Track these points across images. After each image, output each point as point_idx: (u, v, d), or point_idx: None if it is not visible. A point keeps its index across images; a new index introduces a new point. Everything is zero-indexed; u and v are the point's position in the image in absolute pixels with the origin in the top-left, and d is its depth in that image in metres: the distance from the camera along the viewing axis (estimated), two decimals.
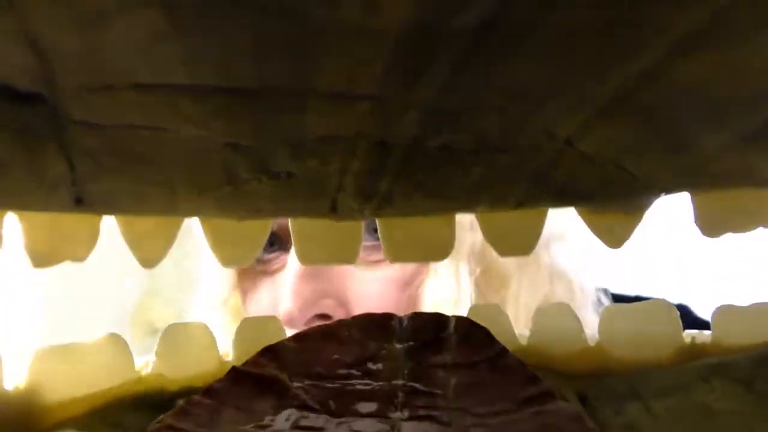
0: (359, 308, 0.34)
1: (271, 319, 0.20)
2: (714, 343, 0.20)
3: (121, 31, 0.10)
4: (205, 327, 0.20)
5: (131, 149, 0.14)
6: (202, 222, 0.18)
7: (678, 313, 0.21)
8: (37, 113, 0.12)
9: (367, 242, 0.32)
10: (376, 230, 0.33)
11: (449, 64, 0.12)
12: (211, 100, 0.12)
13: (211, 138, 0.13)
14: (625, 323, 0.21)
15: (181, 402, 0.18)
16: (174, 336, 0.20)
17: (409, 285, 0.34)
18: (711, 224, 0.19)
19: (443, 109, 0.13)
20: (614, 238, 0.19)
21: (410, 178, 0.16)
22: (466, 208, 0.18)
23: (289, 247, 0.34)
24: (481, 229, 0.19)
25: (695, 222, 0.19)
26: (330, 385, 0.18)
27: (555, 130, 0.14)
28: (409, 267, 0.35)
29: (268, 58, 0.11)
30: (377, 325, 0.19)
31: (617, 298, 0.47)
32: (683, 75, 0.12)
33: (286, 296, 0.32)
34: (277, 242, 0.35)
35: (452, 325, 0.19)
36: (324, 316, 0.34)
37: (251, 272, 0.37)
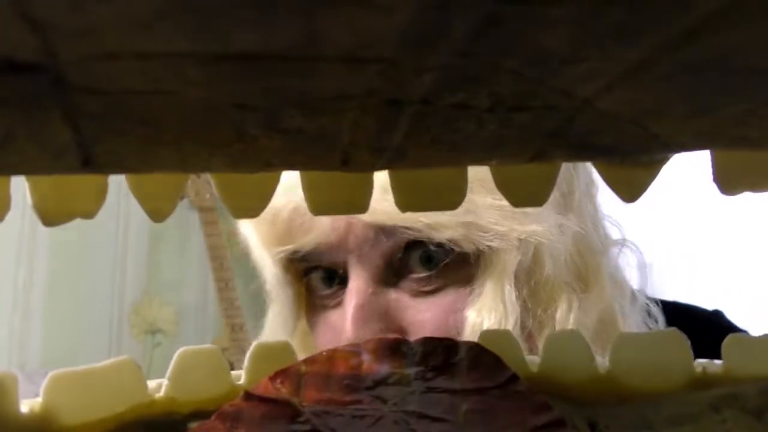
0: (414, 333, 0.35)
1: (284, 344, 0.21)
2: (725, 373, 0.20)
3: (121, 9, 0.10)
4: (217, 351, 0.20)
5: (137, 112, 0.14)
6: (212, 175, 0.18)
7: (689, 342, 0.21)
8: (39, 82, 0.12)
9: (420, 273, 0.35)
10: (428, 259, 0.34)
11: (467, 33, 0.12)
12: (217, 65, 0.12)
13: (219, 100, 0.13)
14: (636, 352, 0.21)
15: (193, 425, 0.19)
16: (186, 360, 0.20)
17: (458, 310, 0.35)
18: (729, 181, 0.18)
19: (459, 73, 0.13)
20: (630, 191, 0.19)
21: (423, 134, 0.15)
22: (479, 161, 0.17)
23: (347, 283, 0.36)
24: (494, 178, 0.19)
25: (713, 179, 0.18)
26: (341, 410, 0.18)
27: (573, 91, 0.14)
28: (461, 292, 0.36)
29: (275, 28, 0.11)
30: (388, 349, 0.19)
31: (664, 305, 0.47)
32: (708, 46, 0.12)
33: (349, 330, 0.33)
34: (336, 278, 0.37)
35: (463, 350, 0.19)
36: None
37: (313, 306, 0.39)
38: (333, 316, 0.37)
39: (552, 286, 0.36)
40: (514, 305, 0.34)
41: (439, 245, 0.34)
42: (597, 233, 0.38)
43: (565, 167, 0.37)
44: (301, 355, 0.20)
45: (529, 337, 0.36)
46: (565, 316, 0.35)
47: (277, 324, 0.41)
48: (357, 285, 0.35)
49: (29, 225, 1.18)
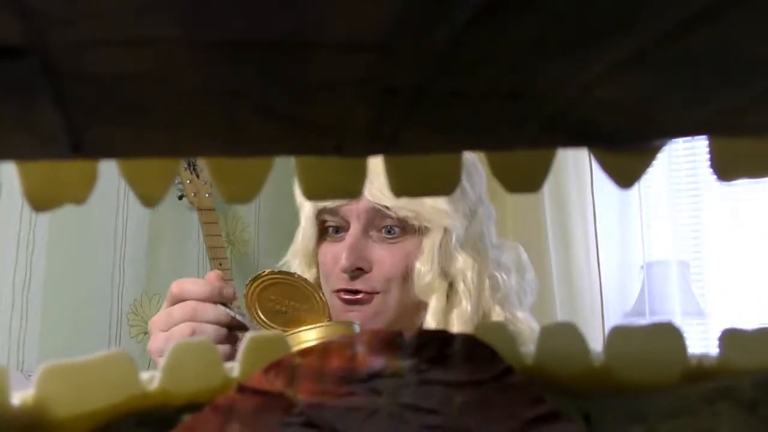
0: (378, 266, 0.66)
1: (278, 336, 0.20)
2: (720, 366, 0.20)
3: None
4: (210, 343, 0.20)
5: (128, 99, 0.14)
6: (206, 160, 0.18)
7: (684, 335, 0.21)
8: (28, 67, 0.12)
9: (386, 235, 0.67)
10: (390, 230, 0.69)
11: (462, 20, 0.11)
12: (210, 52, 0.12)
13: (211, 86, 0.13)
14: (631, 345, 0.21)
15: (186, 417, 0.19)
16: (179, 352, 0.20)
17: (406, 256, 0.66)
18: (727, 168, 0.18)
19: (454, 60, 0.13)
20: (626, 177, 0.19)
21: (417, 121, 0.15)
22: (473, 148, 0.17)
23: (345, 232, 0.67)
24: (489, 165, 0.19)
25: (711, 165, 0.18)
26: (335, 403, 0.18)
27: (570, 79, 0.14)
28: (408, 246, 0.67)
29: (269, 14, 0.11)
30: (382, 341, 0.19)
31: None
32: (708, 36, 0.12)
33: (342, 258, 0.65)
34: (341, 229, 0.68)
35: (457, 342, 0.19)
36: (360, 269, 0.66)
37: (323, 240, 0.69)
38: (335, 247, 0.68)
39: (456, 252, 0.67)
40: (436, 260, 0.66)
41: (399, 219, 0.65)
42: (489, 235, 0.71)
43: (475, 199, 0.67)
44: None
45: (449, 281, 0.66)
46: (465, 271, 0.67)
47: (299, 246, 0.71)
48: (353, 231, 0.66)
49: (27, 225, 1.17)
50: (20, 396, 0.18)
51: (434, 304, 0.66)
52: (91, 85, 0.13)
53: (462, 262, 0.67)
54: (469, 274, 0.66)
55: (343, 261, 0.64)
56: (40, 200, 0.17)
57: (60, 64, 0.13)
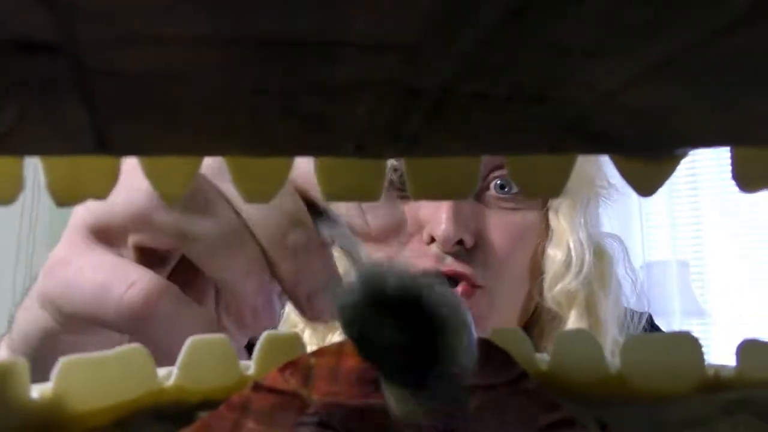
0: (484, 239, 0.42)
1: (294, 335, 0.20)
2: (738, 377, 0.20)
3: None
4: (227, 341, 0.20)
5: (154, 96, 0.14)
6: (226, 158, 0.18)
7: (702, 345, 0.21)
8: (55, 64, 0.12)
9: (501, 194, 0.44)
10: (502, 186, 0.42)
11: (491, 22, 0.11)
12: (237, 50, 0.12)
13: (237, 84, 0.13)
14: (647, 353, 0.20)
15: (203, 415, 0.19)
16: (196, 349, 0.20)
17: (528, 237, 0.43)
18: (750, 178, 0.18)
19: (480, 63, 0.13)
20: (646, 184, 0.18)
21: (440, 122, 0.15)
22: (495, 151, 0.17)
23: None
24: (508, 169, 0.19)
25: (733, 175, 0.18)
26: (350, 403, 0.18)
27: (595, 84, 0.14)
28: (531, 219, 0.43)
29: (298, 13, 0.11)
30: None
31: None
32: (739, 43, 0.12)
33: (443, 222, 0.40)
34: None
35: None
36: (461, 242, 0.42)
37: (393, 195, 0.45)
38: (422, 208, 0.42)
39: (595, 236, 0.43)
40: (580, 246, 0.42)
41: None
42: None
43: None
44: None
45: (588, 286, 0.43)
46: (605, 270, 0.45)
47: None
48: None
49: (27, 225, 1.17)
50: (39, 389, 0.18)
51: (574, 324, 0.41)
52: (117, 81, 0.13)
53: (599, 253, 0.43)
54: (607, 273, 0.44)
55: (444, 226, 0.40)
56: (63, 195, 0.17)
57: (87, 60, 0.13)
